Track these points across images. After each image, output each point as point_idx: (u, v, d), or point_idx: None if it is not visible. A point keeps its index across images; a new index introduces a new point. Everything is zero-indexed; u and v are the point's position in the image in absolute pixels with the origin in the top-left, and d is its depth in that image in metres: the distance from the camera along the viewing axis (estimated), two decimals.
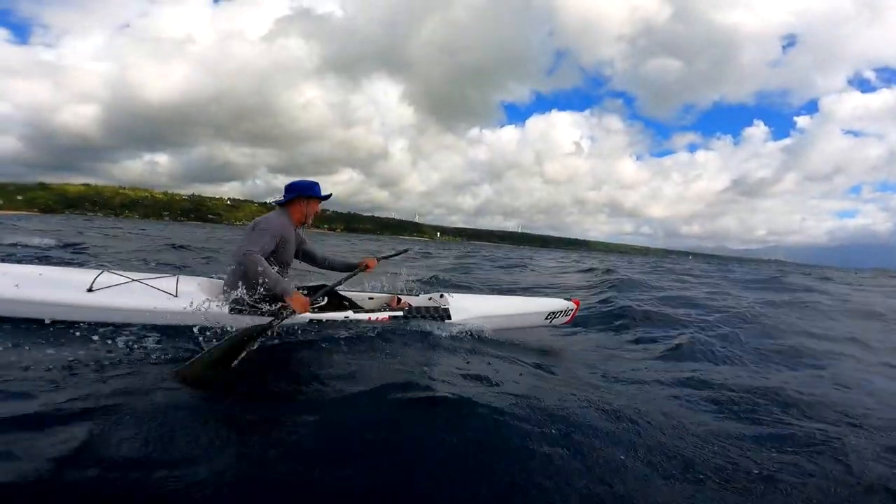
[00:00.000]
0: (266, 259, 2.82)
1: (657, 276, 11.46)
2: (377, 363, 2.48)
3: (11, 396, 1.72)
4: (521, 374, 2.69)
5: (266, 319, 2.57)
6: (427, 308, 3.64)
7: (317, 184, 3.15)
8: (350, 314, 3.16)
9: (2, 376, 1.86)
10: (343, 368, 2.33)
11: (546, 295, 4.74)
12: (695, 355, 3.60)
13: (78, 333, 2.37)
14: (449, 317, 3.56)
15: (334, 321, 3.03)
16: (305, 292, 3.01)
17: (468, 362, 2.77)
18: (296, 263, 3.24)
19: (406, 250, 4.08)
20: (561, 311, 4.34)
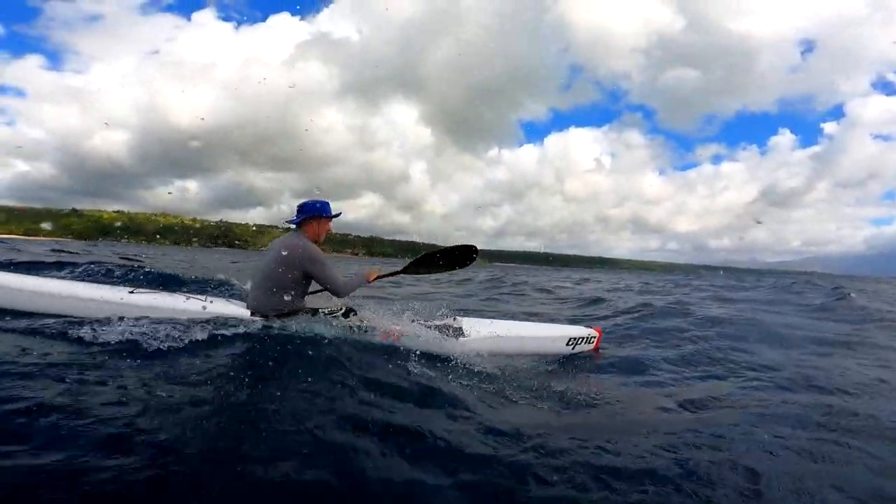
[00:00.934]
0: (301, 283, 3.21)
1: (681, 299, 10.13)
2: (382, 374, 2.62)
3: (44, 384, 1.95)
4: (519, 408, 2.61)
5: (279, 323, 3.07)
6: (439, 326, 3.64)
7: (327, 203, 3.25)
8: (366, 325, 3.34)
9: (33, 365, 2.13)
10: (348, 379, 2.44)
11: None
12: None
13: (120, 327, 2.70)
14: (462, 335, 3.57)
15: (349, 327, 3.25)
16: (328, 311, 3.36)
17: (471, 385, 2.81)
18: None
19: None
20: (582, 339, 4.22)
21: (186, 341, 2.62)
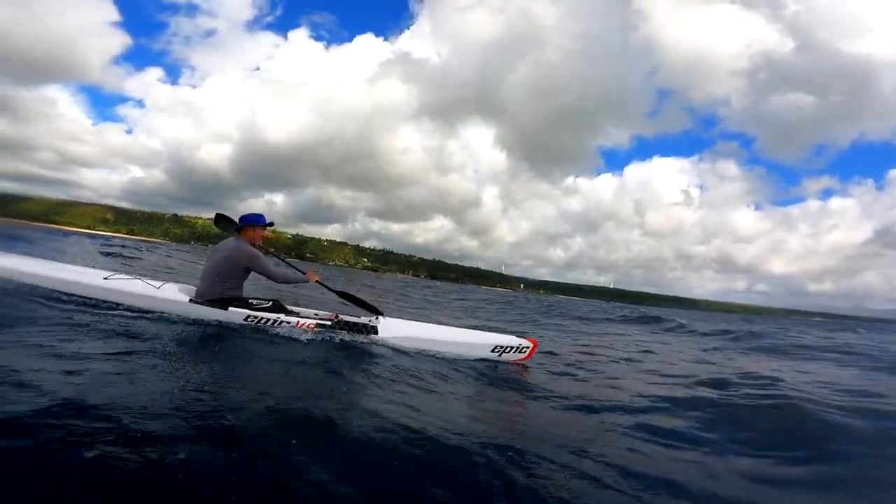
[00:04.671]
0: (241, 276, 3.95)
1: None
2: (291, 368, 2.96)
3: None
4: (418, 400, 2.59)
5: (211, 310, 3.77)
6: (354, 323, 3.93)
7: (262, 215, 4.06)
8: (282, 316, 3.78)
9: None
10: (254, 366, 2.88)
11: None
12: None
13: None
14: (375, 333, 3.87)
15: (267, 319, 3.76)
16: (262, 303, 3.91)
17: (371, 378, 2.95)
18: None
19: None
20: (512, 347, 4.04)
21: (131, 326, 3.27)
